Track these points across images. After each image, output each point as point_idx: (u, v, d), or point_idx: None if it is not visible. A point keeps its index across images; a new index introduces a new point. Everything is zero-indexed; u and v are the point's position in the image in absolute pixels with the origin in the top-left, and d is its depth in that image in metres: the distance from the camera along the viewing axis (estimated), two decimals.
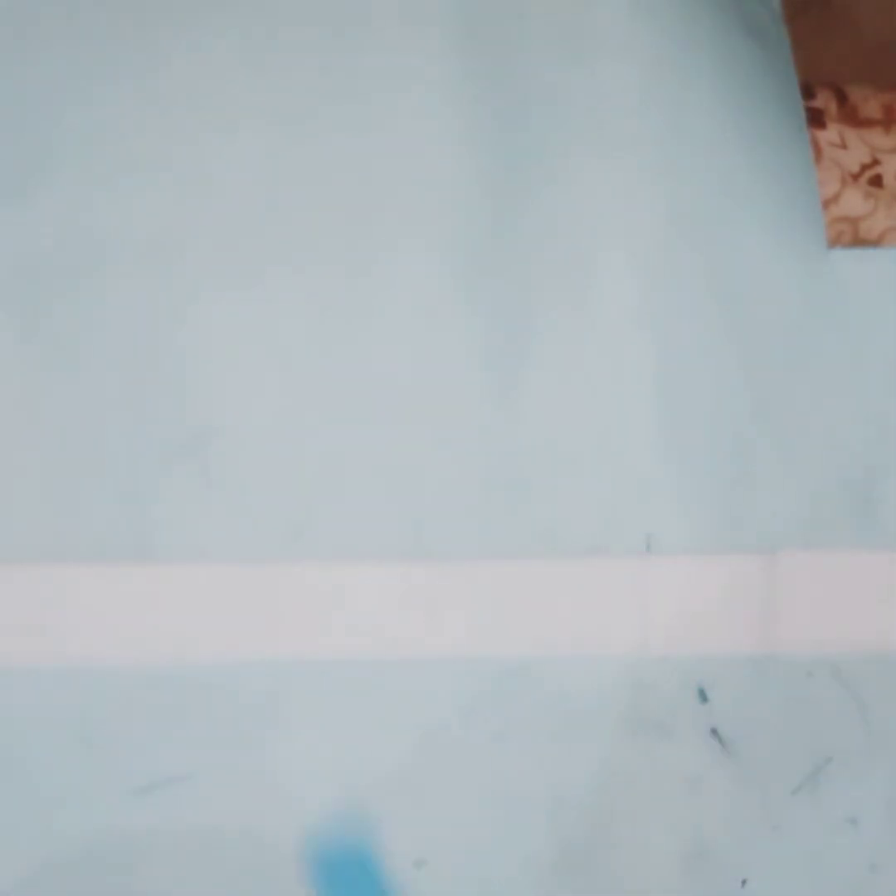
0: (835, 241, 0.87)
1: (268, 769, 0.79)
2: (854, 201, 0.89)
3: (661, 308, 0.84)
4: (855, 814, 0.81)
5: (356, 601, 0.80)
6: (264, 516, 0.80)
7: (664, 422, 0.83)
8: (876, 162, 0.90)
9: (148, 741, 0.78)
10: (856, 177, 0.89)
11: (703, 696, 0.81)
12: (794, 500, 0.83)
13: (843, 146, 0.90)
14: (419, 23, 0.86)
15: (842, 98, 0.92)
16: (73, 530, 0.79)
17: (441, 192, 0.84)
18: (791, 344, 0.84)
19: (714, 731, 0.81)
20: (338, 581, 0.80)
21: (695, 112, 0.86)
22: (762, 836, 0.80)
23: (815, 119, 0.90)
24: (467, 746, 0.80)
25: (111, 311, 0.81)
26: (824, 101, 0.91)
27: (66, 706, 0.78)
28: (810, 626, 0.82)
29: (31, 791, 0.78)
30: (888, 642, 0.82)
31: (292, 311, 0.82)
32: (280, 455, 0.81)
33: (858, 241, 0.88)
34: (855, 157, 0.90)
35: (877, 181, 0.89)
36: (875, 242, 0.88)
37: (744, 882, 0.80)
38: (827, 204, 0.88)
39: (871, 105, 0.92)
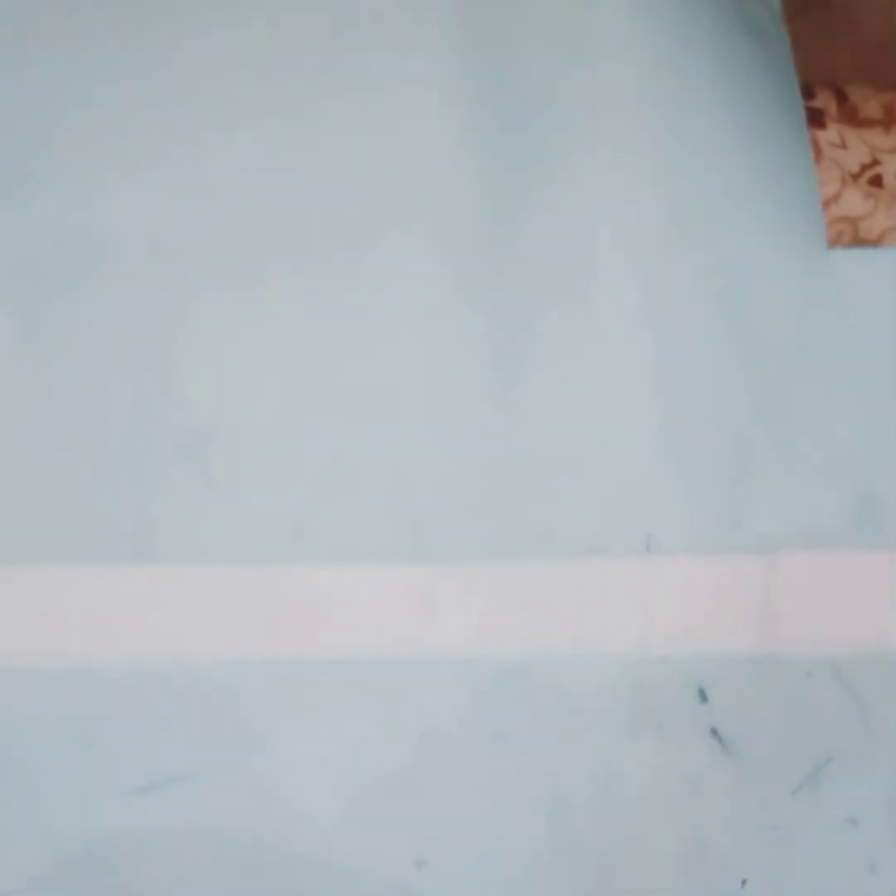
0: (835, 241, 0.87)
1: (268, 769, 0.79)
2: (854, 201, 0.89)
3: (661, 308, 0.84)
4: (855, 814, 0.81)
5: (356, 601, 0.80)
6: (264, 516, 0.80)
7: (664, 422, 0.83)
8: (876, 162, 0.90)
9: (148, 741, 0.78)
10: (856, 177, 0.89)
11: (703, 696, 0.81)
12: (794, 500, 0.83)
13: (843, 146, 0.90)
14: (419, 23, 0.86)
15: (842, 98, 0.92)
16: (73, 530, 0.79)
17: (441, 192, 0.84)
18: (791, 344, 0.84)
19: (714, 731, 0.81)
20: (338, 581, 0.80)
21: (695, 112, 0.86)
22: (762, 836, 0.80)
23: (815, 119, 0.90)
24: (467, 746, 0.80)
25: (111, 311, 0.81)
26: (824, 101, 0.91)
27: (66, 706, 0.78)
28: (810, 626, 0.82)
29: (31, 791, 0.78)
30: (888, 642, 0.82)
31: (292, 311, 0.82)
32: (280, 455, 0.81)
33: (858, 241, 0.88)
34: (855, 157, 0.90)
35: (877, 181, 0.89)
36: (875, 242, 0.88)
37: (744, 882, 0.80)
38: (827, 204, 0.88)
39: (871, 105, 0.92)
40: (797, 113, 0.89)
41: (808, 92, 0.91)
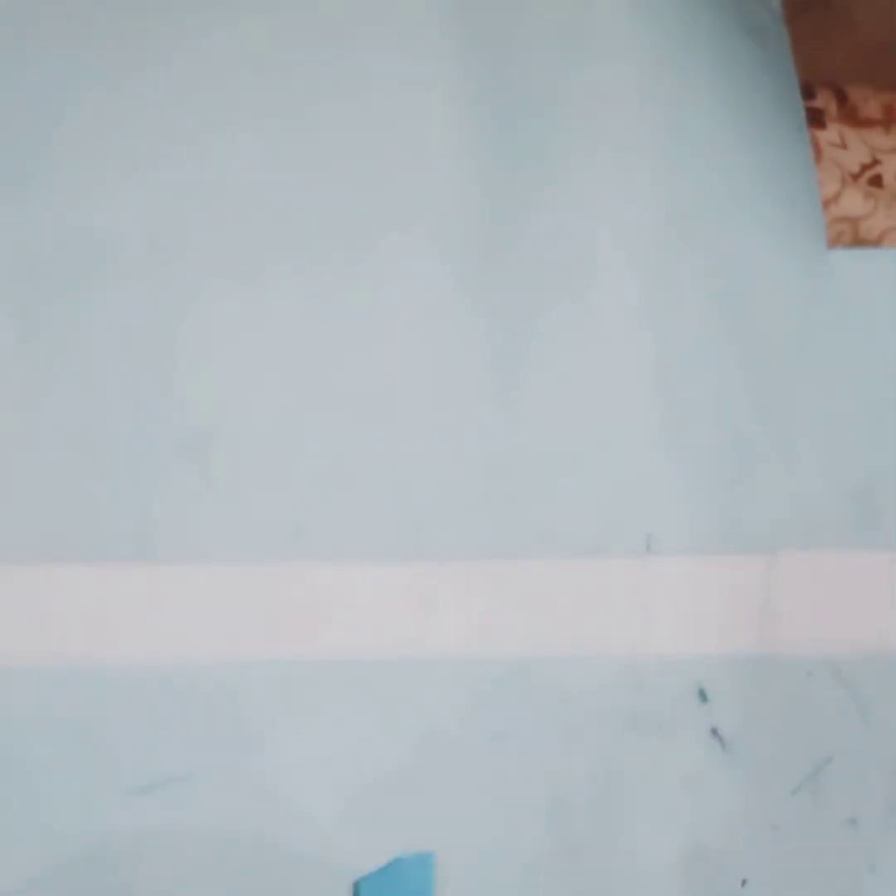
0: (835, 241, 0.87)
1: (268, 769, 0.79)
2: (854, 201, 0.89)
3: (661, 308, 0.84)
4: (855, 814, 0.81)
5: (356, 601, 0.80)
6: (264, 516, 0.80)
7: (664, 422, 0.83)
8: (876, 162, 0.90)
9: (148, 741, 0.78)
10: (856, 177, 0.89)
11: (703, 696, 0.81)
12: (794, 500, 0.83)
13: (843, 146, 0.90)
14: (419, 23, 0.86)
15: (842, 98, 0.92)
16: (73, 530, 0.79)
17: (441, 192, 0.84)
18: (791, 344, 0.84)
19: (714, 731, 0.81)
20: (338, 581, 0.80)
21: (695, 112, 0.86)
22: (762, 836, 0.80)
23: (815, 119, 0.90)
24: (467, 746, 0.80)
25: (111, 310, 0.81)
26: (824, 101, 0.91)
27: (66, 706, 0.78)
28: (810, 626, 0.82)
29: (31, 791, 0.78)
30: (888, 642, 0.82)
31: (292, 311, 0.82)
32: (280, 455, 0.81)
33: (858, 241, 0.88)
34: (855, 157, 0.90)
35: (877, 181, 0.89)
36: (875, 242, 0.88)
37: (744, 882, 0.80)
38: (827, 204, 0.88)
39: (871, 105, 0.92)
40: (797, 113, 0.89)
41: (808, 92, 0.91)
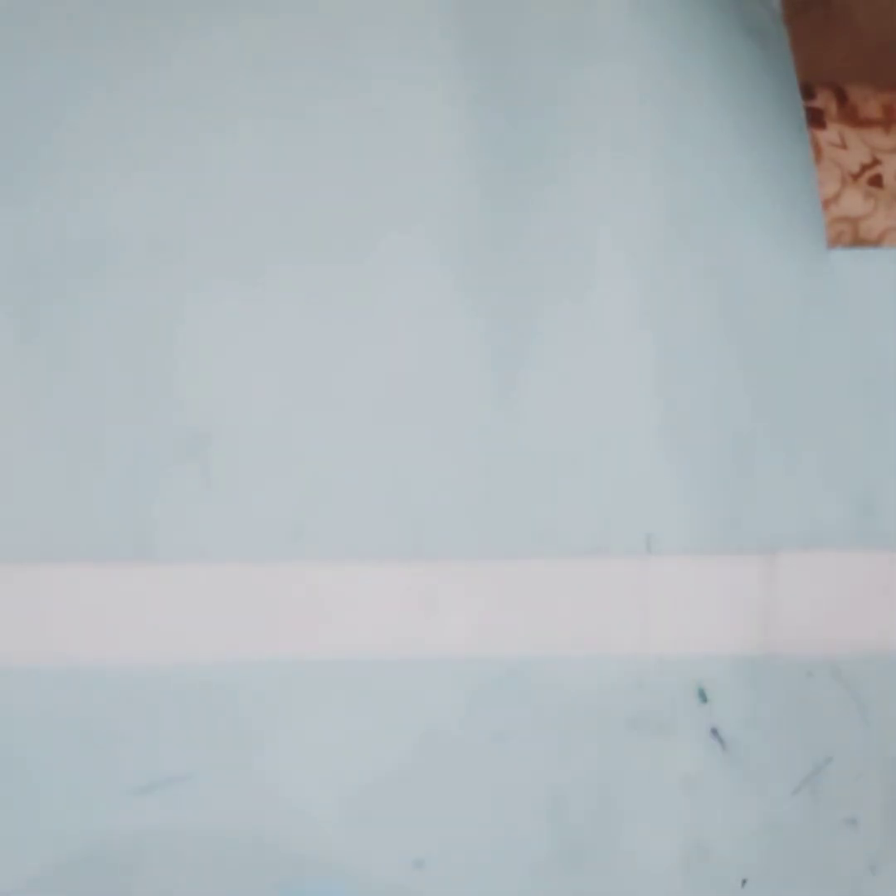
0: (835, 241, 0.87)
1: (268, 769, 0.79)
2: (854, 201, 0.89)
3: (661, 308, 0.84)
4: (855, 814, 0.81)
5: (356, 601, 0.80)
6: (264, 516, 0.80)
7: (664, 422, 0.83)
8: (876, 162, 0.90)
9: (148, 741, 0.78)
10: (856, 177, 0.89)
11: (702, 696, 0.81)
12: (794, 500, 0.83)
13: (843, 146, 0.90)
14: (419, 23, 0.86)
15: (842, 98, 0.92)
16: (73, 530, 0.79)
17: (441, 192, 0.84)
18: (791, 344, 0.84)
19: (714, 731, 0.81)
20: (338, 581, 0.80)
21: (695, 112, 0.86)
22: (762, 836, 0.80)
23: (815, 119, 0.90)
24: (467, 746, 0.80)
25: (111, 311, 0.81)
26: (824, 101, 0.91)
27: (66, 706, 0.78)
28: (810, 626, 0.82)
29: (31, 791, 0.78)
30: (888, 642, 0.82)
31: (292, 311, 0.82)
32: (280, 455, 0.81)
33: (858, 241, 0.88)
34: (855, 157, 0.90)
35: (877, 181, 0.89)
36: (875, 242, 0.88)
37: (744, 882, 0.80)
38: (827, 204, 0.88)
39: (871, 105, 0.92)
40: (797, 113, 0.89)
41: (808, 92, 0.91)
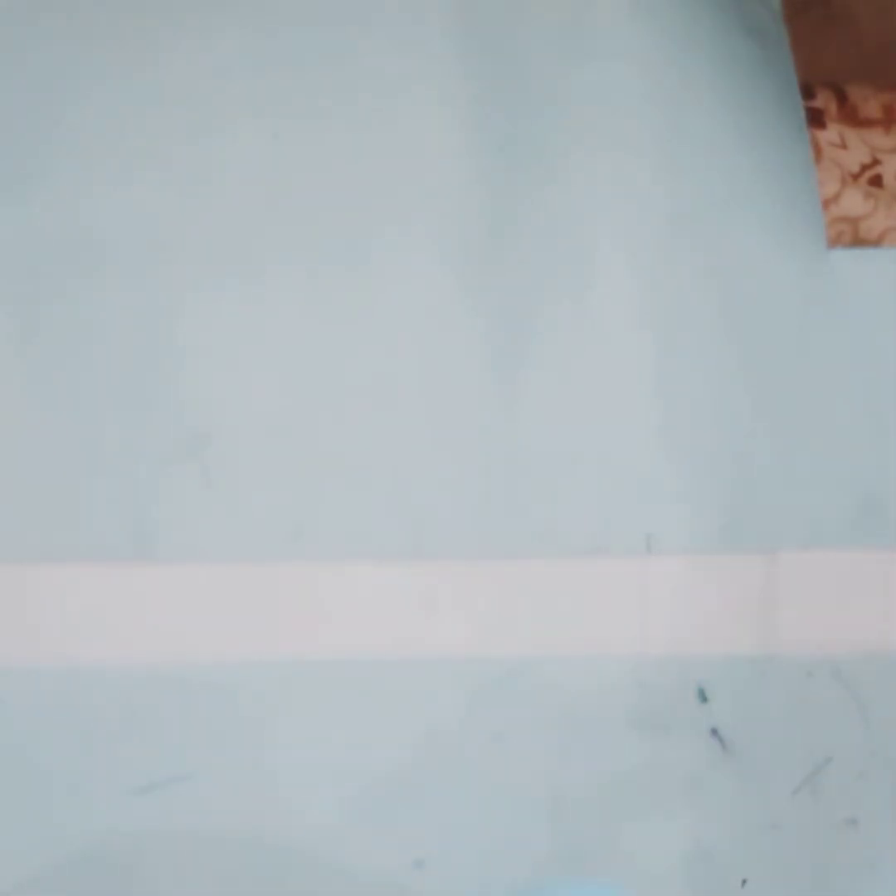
0: (835, 241, 0.87)
1: (268, 769, 0.79)
2: (854, 201, 0.89)
3: (661, 308, 0.84)
4: (855, 814, 0.81)
5: (356, 601, 0.80)
6: (264, 516, 0.80)
7: (664, 422, 0.83)
8: (876, 162, 0.90)
9: (148, 741, 0.78)
10: (856, 177, 0.89)
11: (702, 696, 0.81)
12: (794, 500, 0.83)
13: (843, 146, 0.90)
14: (419, 23, 0.86)
15: (842, 98, 0.92)
16: (72, 530, 0.79)
17: (441, 191, 0.84)
18: (791, 344, 0.84)
19: (714, 731, 0.81)
20: (338, 581, 0.80)
21: (695, 112, 0.86)
22: (762, 836, 0.80)
23: (815, 119, 0.90)
24: (467, 746, 0.80)
25: (111, 310, 0.81)
26: (824, 101, 0.91)
27: (65, 706, 0.78)
28: (810, 626, 0.82)
29: (30, 791, 0.78)
30: (888, 642, 0.82)
31: (292, 310, 0.82)
32: (280, 455, 0.81)
33: (858, 241, 0.88)
34: (855, 157, 0.90)
35: (877, 181, 0.89)
36: (875, 242, 0.88)
37: (744, 882, 0.80)
38: (827, 204, 0.88)
39: (871, 105, 0.92)
40: (797, 113, 0.89)
41: (808, 92, 0.91)
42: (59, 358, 0.81)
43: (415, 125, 0.85)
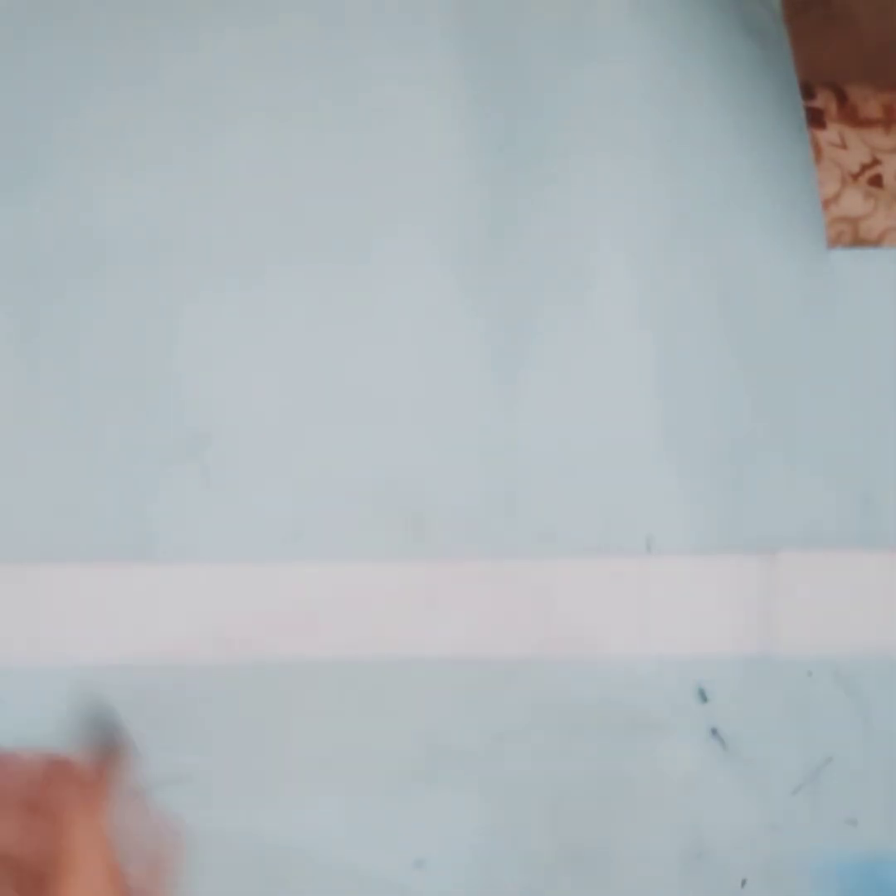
0: (835, 241, 0.87)
1: (268, 769, 0.79)
2: (854, 201, 0.89)
3: (661, 308, 0.84)
4: (855, 814, 0.81)
5: (356, 601, 0.80)
6: (264, 516, 0.80)
7: (664, 422, 0.83)
8: (876, 162, 0.90)
9: (148, 741, 0.78)
10: (856, 177, 0.89)
11: (702, 696, 0.81)
12: (794, 500, 0.83)
13: (843, 146, 0.90)
14: (419, 23, 0.86)
15: (842, 98, 0.92)
16: (72, 530, 0.79)
17: (442, 192, 0.84)
18: (791, 344, 0.84)
19: (714, 731, 0.81)
20: (338, 581, 0.80)
21: (695, 112, 0.86)
22: (762, 836, 0.80)
23: (815, 119, 0.90)
24: (467, 746, 0.80)
25: (111, 310, 0.81)
26: (824, 101, 0.91)
27: (65, 706, 0.78)
28: (810, 626, 0.82)
29: None
30: (888, 642, 0.82)
31: (292, 311, 0.82)
32: (280, 455, 0.81)
33: (858, 241, 0.88)
34: (855, 157, 0.90)
35: (877, 181, 0.89)
36: (875, 242, 0.88)
37: (744, 882, 0.80)
38: (827, 204, 0.88)
39: (871, 105, 0.92)
40: (797, 113, 0.89)
41: (808, 92, 0.91)
42: (59, 358, 0.81)
43: (415, 125, 0.85)
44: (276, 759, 0.79)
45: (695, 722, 0.81)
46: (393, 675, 0.79)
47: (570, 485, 0.82)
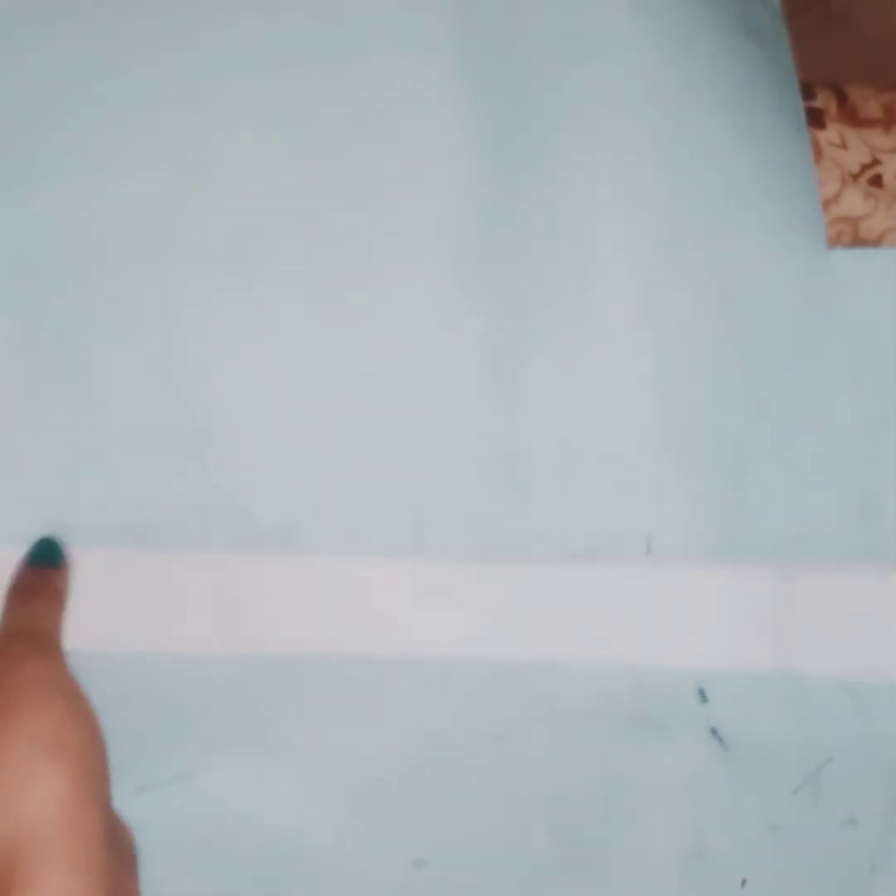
0: (835, 241, 0.87)
1: (267, 769, 0.79)
2: (854, 201, 0.89)
3: (661, 308, 0.84)
4: (855, 814, 0.81)
5: (355, 600, 0.80)
6: (264, 515, 0.80)
7: (664, 422, 0.83)
8: (876, 162, 0.90)
9: (148, 740, 0.78)
10: (856, 177, 0.89)
11: (702, 696, 0.81)
12: (795, 502, 0.83)
13: (843, 146, 0.90)
14: (419, 23, 0.86)
15: (842, 98, 0.92)
16: (72, 530, 0.79)
17: (441, 191, 0.84)
18: (791, 344, 0.84)
19: (714, 731, 0.81)
20: (337, 580, 0.80)
21: (695, 112, 0.86)
22: (762, 836, 0.80)
23: (815, 119, 0.90)
24: (467, 747, 0.80)
25: (111, 310, 0.81)
26: (824, 101, 0.91)
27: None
28: (812, 627, 0.82)
29: None
30: (888, 642, 0.82)
31: (292, 309, 0.82)
32: (280, 455, 0.81)
33: (858, 241, 0.88)
34: (855, 157, 0.90)
35: (877, 181, 0.89)
36: (875, 242, 0.88)
37: (744, 882, 0.80)
38: (827, 204, 0.88)
39: (871, 105, 0.92)
40: (797, 113, 0.89)
41: (808, 92, 0.91)
42: (59, 358, 0.81)
43: (415, 125, 0.85)
44: (275, 758, 0.79)
45: (695, 722, 0.81)
46: (393, 674, 0.79)
47: (569, 485, 0.82)
